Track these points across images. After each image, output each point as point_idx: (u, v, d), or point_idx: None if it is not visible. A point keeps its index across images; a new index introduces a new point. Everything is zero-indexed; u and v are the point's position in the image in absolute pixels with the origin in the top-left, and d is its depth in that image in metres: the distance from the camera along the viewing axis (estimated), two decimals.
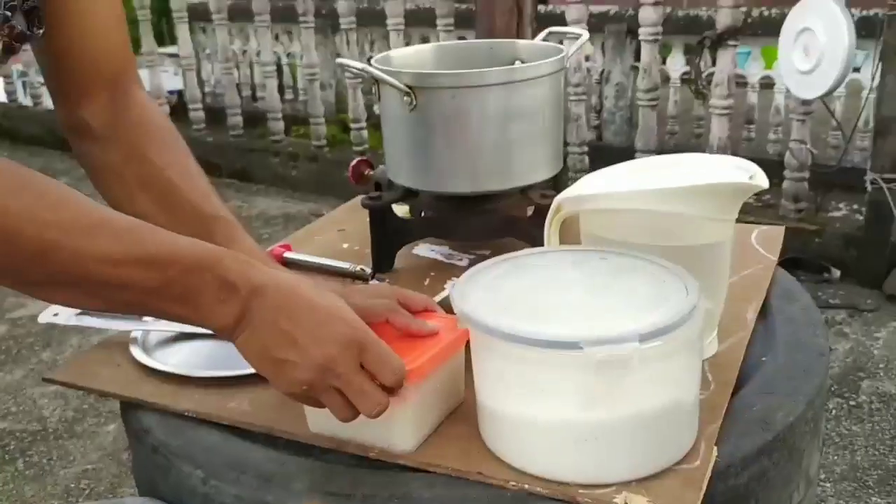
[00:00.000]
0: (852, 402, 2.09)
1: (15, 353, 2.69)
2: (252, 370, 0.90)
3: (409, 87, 1.03)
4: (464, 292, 0.75)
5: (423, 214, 1.26)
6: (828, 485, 1.79)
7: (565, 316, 0.71)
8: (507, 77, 1.05)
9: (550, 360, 0.66)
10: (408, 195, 1.21)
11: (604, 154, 3.12)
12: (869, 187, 2.74)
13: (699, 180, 0.80)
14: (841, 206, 3.34)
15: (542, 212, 1.12)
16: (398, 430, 0.75)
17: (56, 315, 1.01)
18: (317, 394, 0.69)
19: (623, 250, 0.80)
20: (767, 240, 1.18)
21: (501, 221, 1.17)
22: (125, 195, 0.86)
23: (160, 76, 4.66)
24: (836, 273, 2.82)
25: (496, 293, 0.75)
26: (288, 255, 1.22)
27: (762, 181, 0.80)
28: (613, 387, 0.66)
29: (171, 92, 5.14)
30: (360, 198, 1.49)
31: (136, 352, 0.97)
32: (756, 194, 0.82)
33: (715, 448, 0.73)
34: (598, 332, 0.65)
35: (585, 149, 3.38)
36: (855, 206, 3.25)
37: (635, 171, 0.89)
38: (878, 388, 2.14)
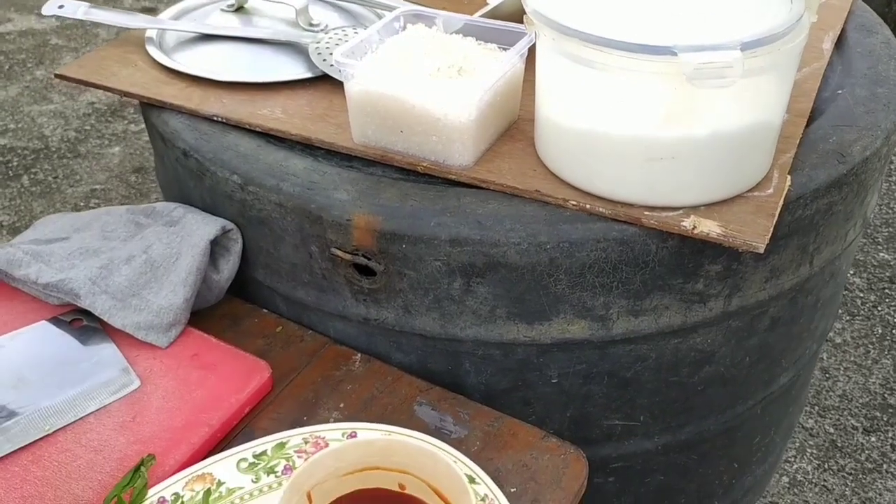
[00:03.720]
0: None
1: (7, 69, 2.57)
2: (284, 78, 0.84)
3: None
4: None
5: None
6: None
7: (653, 18, 0.63)
8: None
9: (637, 66, 0.58)
10: None
11: None
12: None
13: None
14: None
15: None
16: (457, 143, 0.70)
17: (62, 7, 0.92)
18: None
19: None
20: None
21: None
22: None
23: None
24: None
25: None
26: None
27: None
28: (702, 101, 0.60)
29: None
30: None
31: (154, 52, 0.89)
32: None
33: (789, 177, 0.69)
34: (694, 37, 0.58)
35: None
36: None
37: None
38: None
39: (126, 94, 0.84)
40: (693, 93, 0.59)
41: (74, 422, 0.68)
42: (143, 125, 2.29)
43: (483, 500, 0.61)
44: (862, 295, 1.67)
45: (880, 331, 1.58)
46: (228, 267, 0.78)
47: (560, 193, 0.68)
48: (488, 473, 0.63)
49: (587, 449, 0.68)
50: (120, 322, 0.74)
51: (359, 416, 0.70)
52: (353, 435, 0.65)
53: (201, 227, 0.76)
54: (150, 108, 0.84)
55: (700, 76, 0.57)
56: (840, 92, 0.82)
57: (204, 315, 0.80)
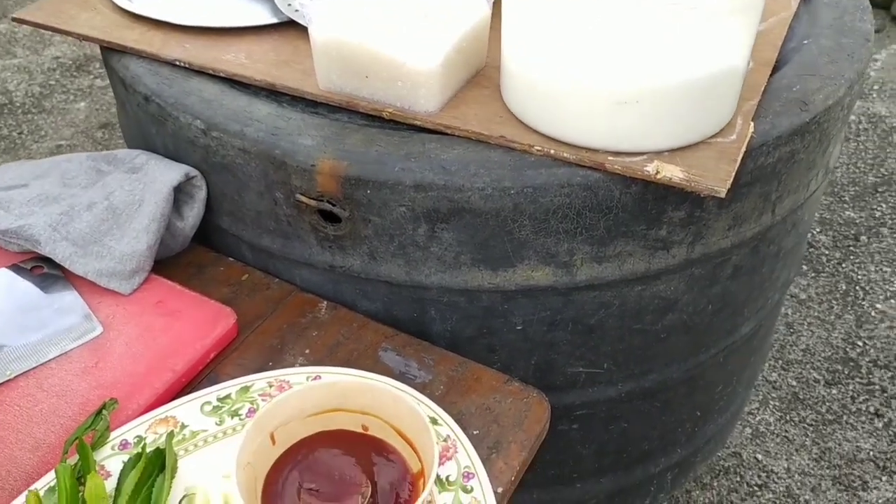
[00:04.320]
0: None
1: None
2: (248, 23, 0.83)
3: None
4: None
5: None
6: None
7: None
8: None
9: (603, 4, 0.58)
10: None
11: None
12: None
13: None
14: None
15: None
16: (423, 89, 0.69)
17: None
18: None
19: None
20: None
21: None
22: None
23: None
24: None
25: None
26: None
27: None
28: (668, 43, 0.60)
29: None
30: None
31: None
32: None
33: (752, 124, 0.70)
34: None
35: None
36: None
37: None
38: (869, 109, 2.12)
39: (85, 37, 0.82)
40: (659, 35, 0.59)
41: (36, 367, 0.67)
42: (109, 80, 2.25)
43: (445, 441, 0.61)
44: (827, 252, 1.69)
45: (844, 287, 1.61)
46: (193, 214, 0.78)
47: (525, 139, 0.68)
48: (452, 416, 0.64)
49: (551, 396, 0.69)
50: (81, 269, 0.73)
51: (324, 362, 0.70)
52: (317, 378, 0.65)
53: (164, 174, 0.76)
54: (111, 52, 0.83)
55: (665, 17, 0.56)
56: (805, 42, 0.82)
57: (168, 263, 0.79)
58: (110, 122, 2.10)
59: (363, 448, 0.59)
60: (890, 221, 1.77)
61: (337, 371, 0.66)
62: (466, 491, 0.58)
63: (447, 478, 0.59)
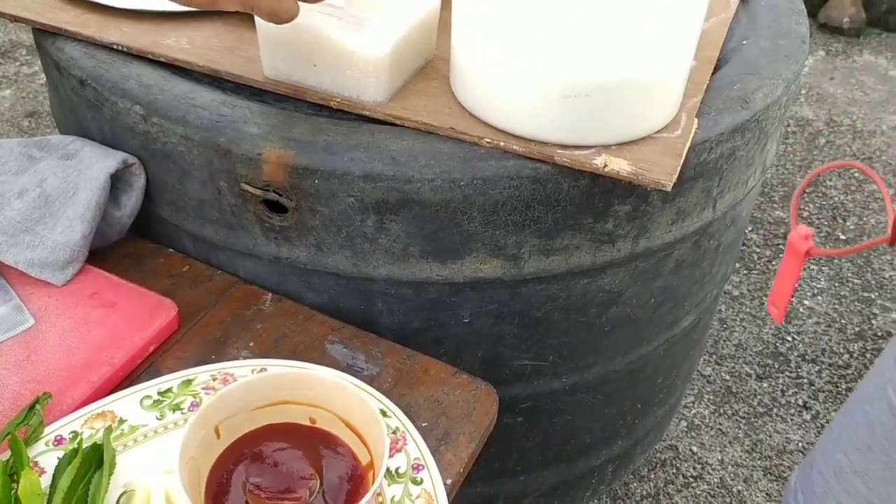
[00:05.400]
0: None
1: None
2: (189, 8, 0.81)
3: None
4: None
5: None
6: None
7: None
8: None
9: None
10: None
11: None
12: None
13: None
14: None
15: None
16: (372, 78, 0.68)
17: None
18: None
19: None
20: None
21: None
22: None
23: None
24: None
25: None
26: None
27: None
28: (617, 37, 0.60)
29: None
30: None
31: None
32: None
33: (696, 120, 0.71)
34: None
35: None
36: None
37: None
38: (797, 113, 2.19)
39: (16, 18, 0.79)
40: (607, 30, 0.60)
41: None
42: (36, 68, 2.17)
43: (395, 432, 0.61)
44: (758, 250, 1.74)
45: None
46: (131, 203, 0.75)
47: (475, 131, 0.68)
48: (400, 408, 0.63)
49: (497, 389, 0.69)
50: (12, 258, 0.70)
51: (269, 355, 0.69)
52: (263, 371, 0.64)
53: (100, 161, 0.73)
54: (43, 34, 0.79)
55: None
56: (745, 42, 0.85)
57: (105, 255, 0.77)
58: (37, 110, 2.03)
59: (311, 441, 0.58)
60: (816, 221, 1.83)
61: (283, 364, 0.65)
62: (416, 483, 0.58)
63: (397, 470, 0.58)
